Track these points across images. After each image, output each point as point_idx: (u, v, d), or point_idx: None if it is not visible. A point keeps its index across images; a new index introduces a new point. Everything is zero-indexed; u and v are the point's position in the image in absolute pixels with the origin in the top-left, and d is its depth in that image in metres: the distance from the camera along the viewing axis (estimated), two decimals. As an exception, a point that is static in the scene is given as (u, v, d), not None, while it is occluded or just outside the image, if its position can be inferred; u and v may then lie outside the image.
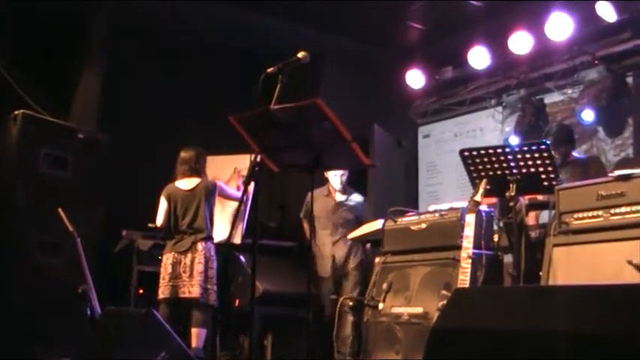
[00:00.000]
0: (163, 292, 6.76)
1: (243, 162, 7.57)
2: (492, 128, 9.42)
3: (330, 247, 7.76)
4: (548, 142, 5.33)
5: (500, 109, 9.24)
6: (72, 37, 8.15)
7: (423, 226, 5.99)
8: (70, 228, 6.23)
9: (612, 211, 4.94)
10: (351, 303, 6.48)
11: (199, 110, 8.95)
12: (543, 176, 5.20)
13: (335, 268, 7.70)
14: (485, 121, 9.56)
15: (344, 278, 7.68)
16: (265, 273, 7.05)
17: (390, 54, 9.33)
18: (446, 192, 9.59)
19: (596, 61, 8.01)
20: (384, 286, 5.99)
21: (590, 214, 5.08)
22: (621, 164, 7.94)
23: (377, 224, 6.57)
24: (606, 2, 7.38)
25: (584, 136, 8.22)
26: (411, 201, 9.46)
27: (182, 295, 6.72)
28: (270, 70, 3.98)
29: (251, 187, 4.29)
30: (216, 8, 8.35)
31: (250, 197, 5.79)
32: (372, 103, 9.33)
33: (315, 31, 8.61)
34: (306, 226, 7.92)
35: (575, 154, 6.82)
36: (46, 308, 6.67)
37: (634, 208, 4.87)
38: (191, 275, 6.70)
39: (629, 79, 8.02)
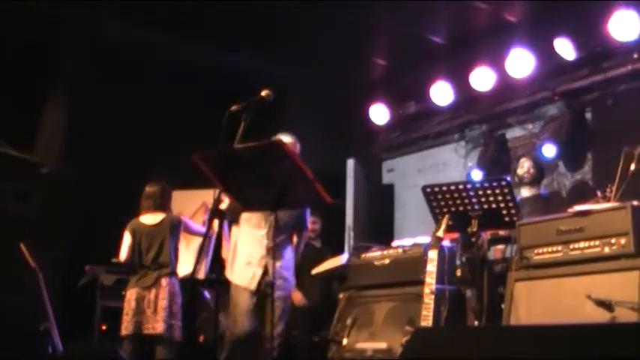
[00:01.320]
0: (127, 328, 6.69)
1: (209, 197, 7.57)
2: (455, 163, 9.51)
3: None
4: (508, 178, 5.41)
5: (463, 143, 9.36)
6: (36, 71, 8.12)
7: (387, 261, 6.03)
8: (32, 263, 6.17)
9: (572, 246, 5.03)
10: (316, 339, 6.49)
11: (164, 145, 8.94)
12: (504, 212, 5.27)
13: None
14: (448, 156, 9.66)
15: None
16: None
17: (355, 89, 9.42)
18: (410, 226, 9.64)
19: (556, 97, 8.17)
20: (349, 321, 6.01)
21: (550, 249, 5.16)
22: (577, 187, 8.10)
23: (341, 259, 6.60)
24: (565, 40, 7.54)
25: (545, 171, 8.33)
26: (386, 235, 9.50)
27: (146, 332, 6.66)
28: (233, 108, 4.02)
29: (215, 223, 4.31)
30: (180, 44, 8.38)
31: (215, 233, 5.79)
32: (338, 138, 9.39)
33: (280, 66, 8.67)
34: None
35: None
36: (6, 346, 6.57)
37: (592, 242, 4.96)
38: (155, 311, 6.64)
39: (588, 115, 8.18)
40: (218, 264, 6.59)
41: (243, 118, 3.96)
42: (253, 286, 5.67)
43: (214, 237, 6.96)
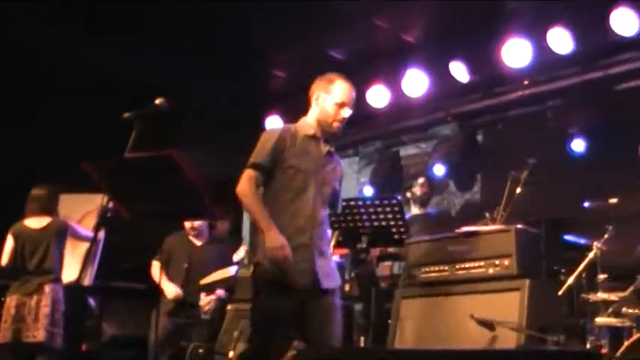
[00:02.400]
0: (4, 335, 6.46)
1: (98, 201, 7.38)
2: (349, 177, 9.57)
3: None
4: (399, 197, 5.49)
5: (356, 159, 9.44)
6: None
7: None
8: None
9: (458, 265, 5.16)
10: (200, 350, 6.39)
11: (52, 147, 8.66)
12: (394, 230, 5.34)
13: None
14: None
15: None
16: (116, 316, 6.88)
17: (254, 100, 9.37)
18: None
19: (449, 118, 8.35)
20: (235, 334, 5.96)
21: (437, 267, 5.28)
22: (466, 207, 8.30)
23: (229, 270, 6.54)
24: (460, 63, 7.72)
25: (436, 190, 8.50)
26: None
27: (26, 339, 6.44)
28: (126, 115, 3.93)
29: (102, 230, 4.22)
30: (76, 50, 8.16)
31: (102, 240, 5.65)
32: (237, 148, 9.30)
33: (179, 74, 8.55)
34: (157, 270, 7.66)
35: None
36: None
37: (478, 263, 5.10)
38: (36, 318, 6.44)
39: (480, 137, 8.40)
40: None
41: (135, 127, 3.88)
42: None
43: (102, 243, 6.85)
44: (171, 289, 6.89)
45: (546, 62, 7.42)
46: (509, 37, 7.28)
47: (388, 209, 5.27)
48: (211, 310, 6.79)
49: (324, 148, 4.48)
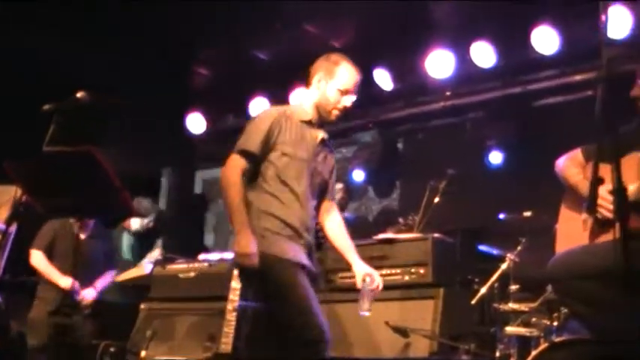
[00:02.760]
0: None
1: (11, 193, 7.14)
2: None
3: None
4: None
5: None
6: None
7: (192, 274, 5.96)
8: None
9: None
10: (112, 349, 6.26)
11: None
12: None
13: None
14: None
15: None
16: (24, 312, 6.67)
17: (176, 97, 9.24)
18: (222, 240, 9.62)
19: (371, 125, 8.41)
20: (148, 333, 5.87)
21: (354, 273, 5.28)
22: (384, 213, 8.37)
23: (144, 269, 6.45)
24: (384, 70, 7.79)
25: (354, 195, 8.56)
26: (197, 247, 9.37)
27: None
28: (45, 107, 3.83)
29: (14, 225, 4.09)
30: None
31: (12, 234, 5.46)
32: (156, 145, 9.18)
33: (104, 69, 8.35)
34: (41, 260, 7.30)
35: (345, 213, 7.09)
36: None
37: (395, 270, 5.13)
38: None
39: (400, 145, 8.49)
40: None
41: (54, 120, 3.77)
42: None
43: (12, 236, 6.61)
44: (65, 280, 6.53)
45: (469, 75, 7.57)
46: (434, 48, 7.40)
47: (309, 214, 5.25)
48: (89, 304, 6.54)
49: (318, 135, 4.17)
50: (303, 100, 4.27)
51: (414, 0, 7.05)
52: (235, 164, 3.99)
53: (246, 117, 9.11)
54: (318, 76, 4.18)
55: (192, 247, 8.53)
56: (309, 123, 4.14)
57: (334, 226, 4.37)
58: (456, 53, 7.39)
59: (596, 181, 2.73)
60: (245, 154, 4.00)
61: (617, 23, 6.34)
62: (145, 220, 8.13)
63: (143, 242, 8.26)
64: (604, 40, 2.91)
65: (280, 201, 3.99)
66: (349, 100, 4.16)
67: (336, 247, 4.38)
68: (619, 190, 2.60)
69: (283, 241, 3.95)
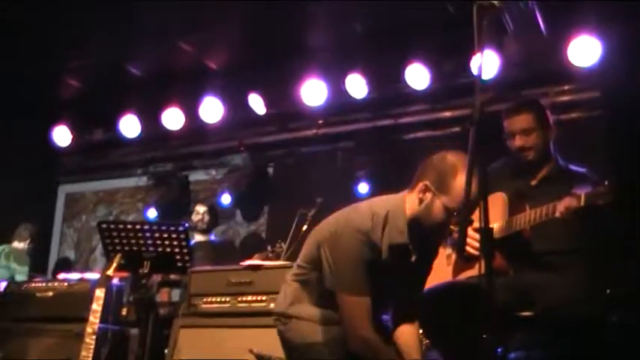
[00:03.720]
0: None
1: None
2: (136, 198, 9.40)
3: None
4: (186, 224, 5.41)
5: (145, 179, 9.22)
6: None
7: (50, 294, 5.74)
8: None
9: (240, 298, 5.13)
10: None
11: None
12: (178, 257, 5.23)
13: None
14: (129, 189, 9.52)
15: None
16: None
17: (42, 107, 8.89)
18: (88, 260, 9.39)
19: (242, 148, 8.38)
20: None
21: (219, 298, 5.23)
22: (251, 238, 8.34)
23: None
24: (258, 95, 7.79)
25: (222, 218, 8.49)
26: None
27: None
28: None
29: None
30: None
31: None
32: (22, 157, 8.78)
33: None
34: None
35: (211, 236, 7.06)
36: None
37: (260, 297, 5.10)
38: None
39: (270, 170, 8.50)
40: None
41: None
42: None
43: None
44: None
45: (341, 104, 7.67)
46: (309, 76, 7.46)
47: (174, 236, 5.16)
48: None
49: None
50: (398, 208, 3.41)
51: (292, 27, 7.12)
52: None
53: (115, 133, 8.91)
54: (426, 184, 3.35)
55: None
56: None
57: None
58: (329, 83, 7.48)
59: (466, 222, 2.80)
60: None
61: (487, 65, 6.59)
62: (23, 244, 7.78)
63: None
64: (477, 81, 2.98)
65: None
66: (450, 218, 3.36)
67: None
68: (485, 229, 2.67)
69: None
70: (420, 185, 3.34)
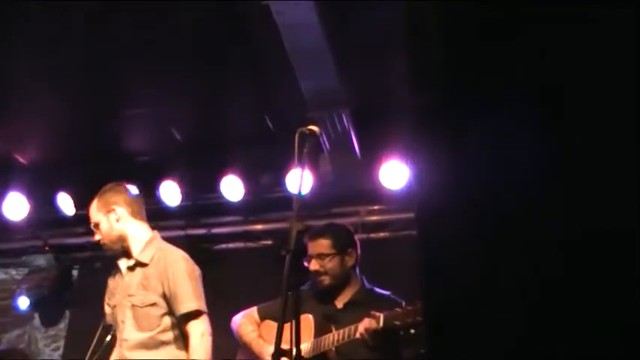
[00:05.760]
0: None
1: None
2: None
3: None
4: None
5: None
6: None
7: None
8: None
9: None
10: None
11: None
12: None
13: None
14: None
15: None
16: None
17: None
18: None
19: (47, 248, 8.04)
20: None
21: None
22: (49, 343, 7.93)
23: None
24: (67, 195, 7.53)
25: (18, 322, 8.03)
26: None
27: None
28: None
29: None
30: None
31: None
32: None
33: None
34: None
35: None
36: None
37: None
38: None
39: (75, 272, 8.17)
40: None
41: None
42: None
43: None
44: None
45: (154, 211, 7.51)
46: (124, 180, 7.28)
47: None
48: None
49: None
50: None
51: (108, 129, 6.99)
52: None
53: None
54: None
55: None
56: None
57: None
58: (143, 189, 7.31)
59: (279, 352, 2.85)
60: None
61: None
62: None
63: None
64: (296, 208, 3.08)
65: None
66: None
67: None
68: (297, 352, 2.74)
69: None
70: None
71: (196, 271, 4.26)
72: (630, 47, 1.56)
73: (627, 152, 1.53)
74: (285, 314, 2.89)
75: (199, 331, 4.04)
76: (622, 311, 1.42)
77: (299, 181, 3.22)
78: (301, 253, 3.04)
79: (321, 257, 4.24)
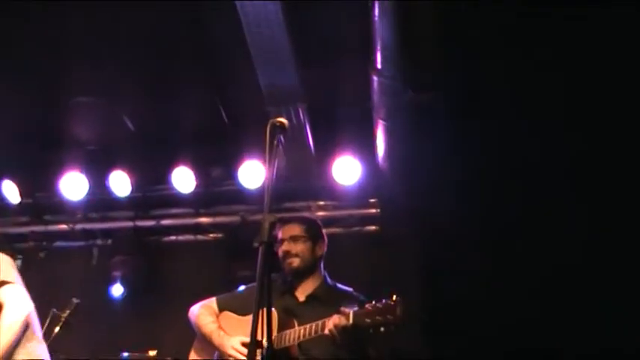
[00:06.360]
0: None
1: None
2: None
3: None
4: None
5: None
6: None
7: None
8: None
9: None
10: None
11: None
12: None
13: None
14: None
15: None
16: None
17: None
18: None
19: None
20: None
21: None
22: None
23: None
24: (12, 183, 7.39)
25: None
26: None
27: None
28: None
29: None
30: None
31: None
32: None
33: None
34: None
35: None
36: None
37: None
38: None
39: (19, 262, 7.99)
40: None
41: None
42: None
43: None
44: None
45: (102, 201, 7.47)
46: (70, 169, 7.20)
47: None
48: None
49: None
50: None
51: (57, 118, 6.87)
52: None
53: None
54: None
55: None
56: None
57: None
58: (91, 178, 7.26)
59: (255, 343, 2.87)
60: None
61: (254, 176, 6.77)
62: None
63: None
64: (267, 199, 3.12)
65: None
66: None
67: None
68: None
69: None
70: None
71: None
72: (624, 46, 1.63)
73: (627, 152, 1.60)
74: (260, 304, 2.91)
75: None
76: (622, 311, 1.48)
77: (270, 173, 3.24)
78: (271, 245, 3.05)
79: (293, 239, 4.28)
